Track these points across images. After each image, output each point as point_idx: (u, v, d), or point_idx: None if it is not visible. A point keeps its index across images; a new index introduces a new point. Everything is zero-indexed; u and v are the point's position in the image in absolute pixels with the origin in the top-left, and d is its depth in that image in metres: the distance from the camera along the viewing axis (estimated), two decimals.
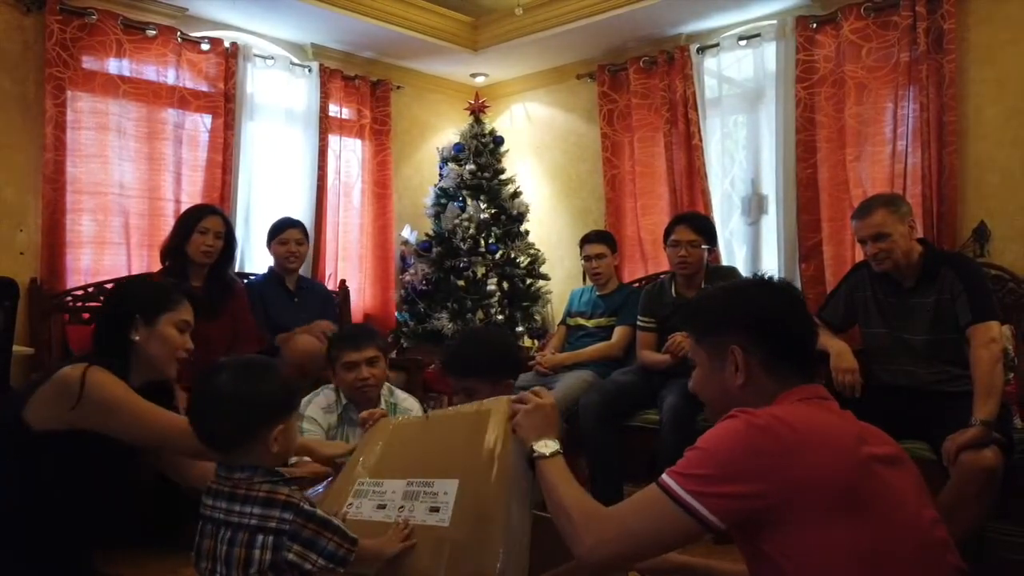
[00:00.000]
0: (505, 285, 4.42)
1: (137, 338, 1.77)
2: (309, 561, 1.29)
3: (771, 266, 3.86)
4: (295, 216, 3.75)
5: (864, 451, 1.14)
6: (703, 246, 3.20)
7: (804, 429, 1.13)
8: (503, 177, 4.52)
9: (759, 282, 1.38)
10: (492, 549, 1.31)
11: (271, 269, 3.54)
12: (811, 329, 1.33)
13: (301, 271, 3.64)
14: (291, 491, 1.33)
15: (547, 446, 1.32)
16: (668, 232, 3.28)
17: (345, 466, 1.72)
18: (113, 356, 1.74)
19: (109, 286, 3.36)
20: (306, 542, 1.29)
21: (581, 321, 3.71)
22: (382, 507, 1.48)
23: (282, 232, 3.47)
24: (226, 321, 3.03)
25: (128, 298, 1.85)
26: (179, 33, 3.64)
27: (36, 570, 1.65)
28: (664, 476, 1.15)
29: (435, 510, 1.41)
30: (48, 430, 1.66)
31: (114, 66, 3.47)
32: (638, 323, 3.39)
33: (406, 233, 4.56)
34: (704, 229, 3.24)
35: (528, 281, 4.48)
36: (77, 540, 1.72)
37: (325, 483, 1.77)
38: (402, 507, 1.45)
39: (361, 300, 4.45)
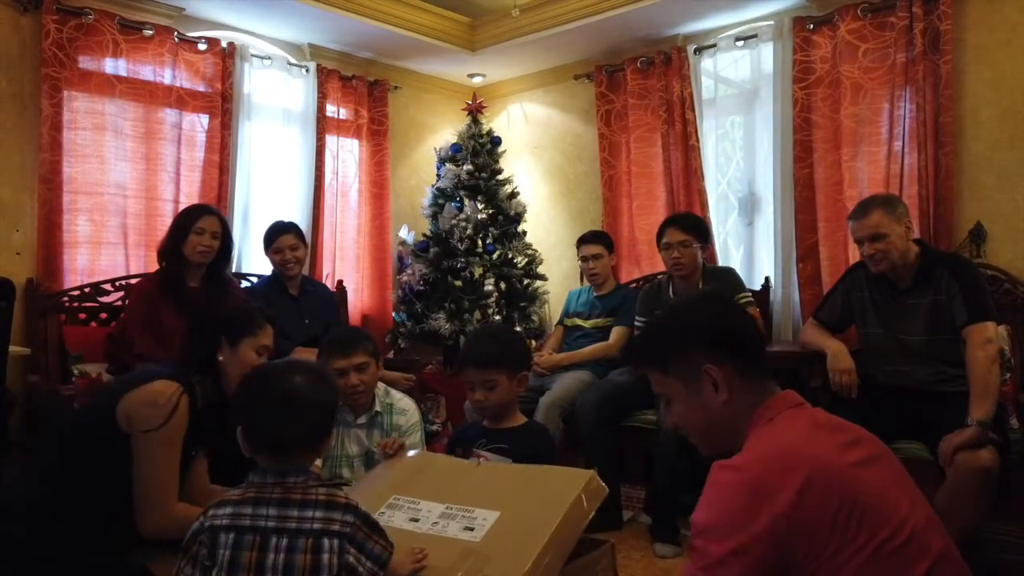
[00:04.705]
0: (502, 285, 4.42)
1: (221, 358, 1.88)
2: (361, 564, 1.26)
3: (767, 267, 3.87)
4: (292, 217, 3.75)
5: (848, 460, 1.14)
6: (695, 245, 3.18)
7: (792, 466, 1.10)
8: (500, 177, 4.51)
9: (697, 299, 1.41)
10: (519, 566, 1.35)
11: (273, 272, 3.50)
12: (757, 327, 1.36)
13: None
14: (346, 493, 1.32)
15: None
16: (659, 236, 3.26)
17: (364, 481, 1.81)
18: (203, 372, 1.86)
19: (106, 286, 3.36)
20: (360, 545, 1.27)
21: (578, 321, 3.71)
22: (415, 520, 1.52)
23: (275, 240, 3.40)
24: None
25: (216, 320, 1.96)
26: (176, 33, 3.64)
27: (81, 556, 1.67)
28: None
29: (469, 529, 1.46)
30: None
31: (111, 66, 3.46)
32: (635, 324, 3.39)
33: (403, 233, 4.56)
34: (694, 227, 3.22)
35: (525, 281, 4.48)
36: (122, 536, 1.75)
37: None
38: (436, 523, 1.50)
39: (358, 300, 4.45)
